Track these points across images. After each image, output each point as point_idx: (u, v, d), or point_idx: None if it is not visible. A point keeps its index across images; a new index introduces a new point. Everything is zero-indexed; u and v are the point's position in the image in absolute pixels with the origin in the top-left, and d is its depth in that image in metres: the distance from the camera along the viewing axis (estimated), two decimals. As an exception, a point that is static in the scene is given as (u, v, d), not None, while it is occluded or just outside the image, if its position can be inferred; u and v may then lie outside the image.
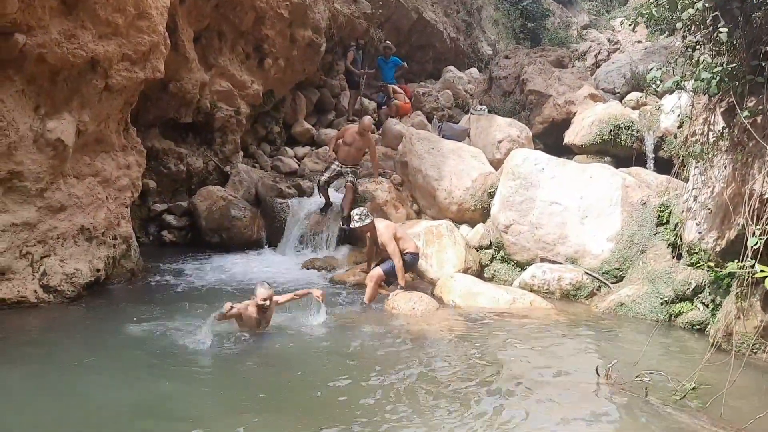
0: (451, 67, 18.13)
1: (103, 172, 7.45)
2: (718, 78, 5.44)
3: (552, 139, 12.67)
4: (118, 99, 7.34)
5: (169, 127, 10.15)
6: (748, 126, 5.35)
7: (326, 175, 9.82)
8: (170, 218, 10.01)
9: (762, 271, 4.00)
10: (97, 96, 6.99)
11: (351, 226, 7.65)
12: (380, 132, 13.39)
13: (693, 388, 4.83)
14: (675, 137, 10.28)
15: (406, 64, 15.00)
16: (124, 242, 7.88)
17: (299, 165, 12.13)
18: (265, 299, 6.10)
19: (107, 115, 7.35)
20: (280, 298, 6.46)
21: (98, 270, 7.29)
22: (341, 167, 9.74)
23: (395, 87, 14.42)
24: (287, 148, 12.67)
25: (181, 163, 10.27)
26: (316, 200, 10.36)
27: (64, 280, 6.87)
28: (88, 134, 7.10)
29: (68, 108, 6.76)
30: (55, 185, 6.83)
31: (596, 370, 5.31)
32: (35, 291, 6.65)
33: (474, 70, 18.78)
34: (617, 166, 9.85)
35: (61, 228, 6.93)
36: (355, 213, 7.81)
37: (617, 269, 8.10)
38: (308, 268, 8.95)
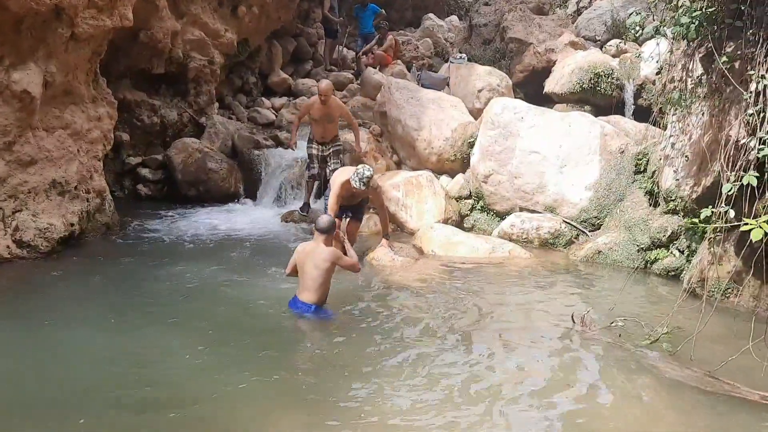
0: (431, 15, 17.78)
1: (74, 125, 7.25)
2: (697, 22, 5.38)
3: (532, 88, 12.56)
4: (85, 49, 7.10)
5: (141, 78, 9.86)
6: (726, 72, 5.33)
7: (315, 168, 8.82)
8: (145, 171, 9.84)
9: (747, 223, 4.02)
10: (63, 45, 6.76)
11: (360, 187, 6.73)
12: (359, 82, 13.21)
13: (666, 333, 4.93)
14: (653, 83, 10.25)
15: (383, 11, 14.67)
16: (98, 196, 7.75)
17: (276, 116, 11.92)
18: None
19: (75, 66, 7.12)
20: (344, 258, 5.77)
21: (72, 224, 7.17)
22: (322, 151, 8.77)
23: (391, 38, 14.09)
24: (264, 99, 12.43)
25: (155, 115, 10.04)
26: (294, 151, 10.22)
27: (37, 234, 6.76)
28: (56, 86, 6.88)
29: (34, 58, 6.53)
30: (24, 138, 6.65)
31: (572, 316, 5.39)
32: (8, 246, 6.54)
33: (454, 18, 18.45)
34: (597, 115, 9.81)
35: (32, 182, 6.78)
36: (367, 174, 6.76)
37: (595, 217, 8.15)
38: (287, 221, 8.91)
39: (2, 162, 6.48)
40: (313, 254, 5.46)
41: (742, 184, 4.71)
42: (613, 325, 5.28)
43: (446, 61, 13.92)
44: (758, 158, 4.86)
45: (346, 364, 4.63)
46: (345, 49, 15.00)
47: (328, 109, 8.59)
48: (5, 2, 6.01)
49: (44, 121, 6.92)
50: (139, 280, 6.30)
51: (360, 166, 6.94)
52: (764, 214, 4.37)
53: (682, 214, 6.86)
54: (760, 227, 4.12)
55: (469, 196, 8.97)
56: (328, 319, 5.46)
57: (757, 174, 4.62)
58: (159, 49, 9.38)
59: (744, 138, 5.08)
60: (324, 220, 5.62)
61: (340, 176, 7.05)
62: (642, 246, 7.29)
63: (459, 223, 8.77)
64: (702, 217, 4.72)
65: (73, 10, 6.63)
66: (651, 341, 4.96)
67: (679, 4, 5.54)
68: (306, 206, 8.96)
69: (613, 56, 12.09)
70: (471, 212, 8.91)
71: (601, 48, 13.20)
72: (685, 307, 5.28)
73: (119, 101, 8.40)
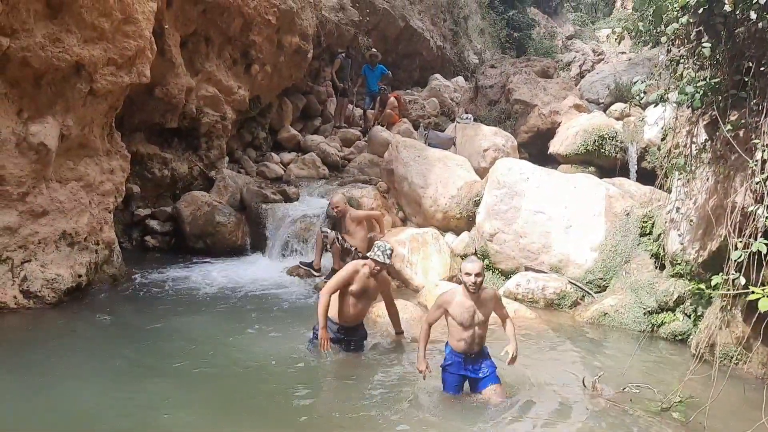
0: (438, 75, 18.22)
1: (87, 177, 7.37)
2: (701, 92, 5.51)
3: (537, 149, 12.74)
4: (102, 103, 7.28)
5: (154, 131, 10.07)
6: (731, 139, 5.42)
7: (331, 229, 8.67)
8: (154, 223, 9.91)
9: (753, 291, 4.03)
10: (81, 100, 6.93)
11: (385, 260, 5.85)
12: (366, 139, 13.44)
13: (679, 401, 4.87)
14: (658, 149, 10.41)
15: (390, 73, 15.05)
16: (107, 248, 7.79)
17: (285, 171, 12.11)
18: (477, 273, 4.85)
19: (91, 120, 7.28)
20: None
21: (80, 276, 7.20)
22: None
23: (393, 99, 14.45)
24: (273, 154, 12.64)
25: (166, 168, 10.20)
26: (302, 206, 10.33)
27: (44, 285, 6.78)
28: (72, 138, 7.03)
29: (52, 112, 6.69)
30: (38, 189, 6.75)
31: (583, 381, 5.33)
32: (15, 296, 6.56)
33: (460, 79, 18.89)
34: (601, 176, 9.92)
35: (42, 233, 6.85)
36: (389, 246, 6.01)
37: (601, 279, 8.14)
38: (292, 275, 8.92)
39: (15, 212, 6.56)
40: None
41: (751, 251, 4.74)
42: (624, 390, 5.22)
43: (452, 121, 14.20)
44: (766, 226, 4.90)
45: (349, 425, 4.57)
46: (353, 107, 15.32)
47: (347, 222, 8.55)
48: (27, 58, 6.20)
49: (58, 173, 7.04)
50: (143, 334, 6.27)
51: (378, 242, 6.14)
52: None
53: (688, 278, 6.86)
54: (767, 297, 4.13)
55: (474, 254, 8.98)
56: None
57: (766, 241, 4.65)
58: (173, 105, 9.61)
59: (751, 205, 5.13)
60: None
61: (351, 265, 6.11)
62: (648, 309, 7.26)
63: (464, 281, 8.75)
64: (713, 284, 4.72)
65: (92, 66, 6.83)
66: (663, 410, 4.89)
67: (684, 74, 5.68)
68: (312, 265, 8.83)
69: (617, 119, 12.30)
70: (476, 271, 8.89)
71: (604, 110, 13.46)
72: (696, 373, 5.22)
73: (132, 154, 8.54)
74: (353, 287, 5.88)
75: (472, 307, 4.90)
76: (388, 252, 5.86)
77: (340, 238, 8.55)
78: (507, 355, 5.02)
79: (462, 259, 8.92)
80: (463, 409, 4.93)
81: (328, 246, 8.64)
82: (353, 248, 8.52)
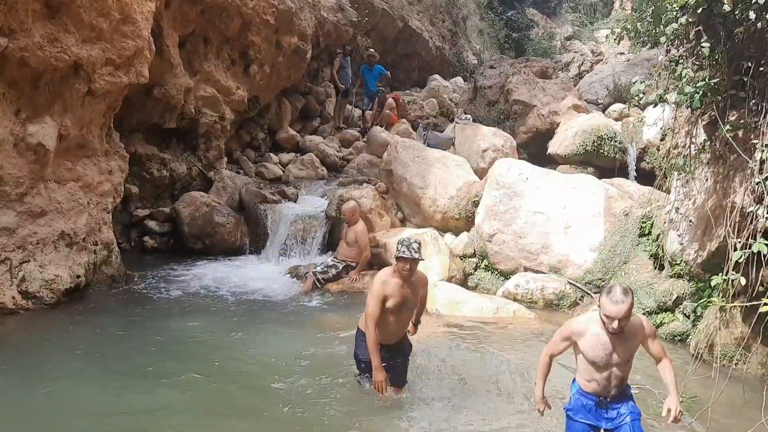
0: (437, 76, 18.21)
1: (85, 177, 7.36)
2: (700, 92, 5.50)
3: (536, 149, 12.73)
4: (101, 104, 7.27)
5: (152, 132, 10.06)
6: (730, 139, 5.41)
7: (319, 268, 8.64)
8: (152, 224, 9.88)
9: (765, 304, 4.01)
10: (79, 100, 6.92)
11: (413, 255, 4.79)
12: (365, 139, 13.44)
13: (681, 401, 4.85)
14: (657, 149, 10.40)
15: (389, 73, 15.04)
16: (105, 248, 7.78)
17: (283, 171, 12.11)
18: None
19: (90, 120, 7.27)
20: None
21: (78, 276, 7.19)
22: (338, 262, 8.66)
23: (391, 100, 14.45)
24: (272, 155, 12.64)
25: (165, 169, 10.19)
26: (301, 206, 10.33)
27: (43, 286, 6.77)
28: (70, 139, 7.01)
29: (50, 112, 6.68)
30: (36, 190, 6.73)
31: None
32: (13, 297, 6.54)
33: (459, 79, 18.88)
34: (600, 177, 9.91)
35: (41, 233, 6.83)
36: (414, 239, 4.92)
37: (600, 279, 8.14)
38: (292, 276, 8.91)
39: (13, 213, 6.55)
40: None
41: (752, 251, 4.73)
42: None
43: (451, 121, 14.19)
44: (765, 226, 4.89)
45: (342, 425, 4.55)
46: (351, 108, 15.32)
47: (350, 231, 8.71)
48: (25, 58, 6.19)
49: (56, 173, 7.02)
50: (140, 335, 6.26)
51: (400, 237, 5.19)
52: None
53: (687, 278, 6.86)
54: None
55: (474, 255, 8.98)
56: None
57: (766, 242, 4.65)
58: (172, 105, 9.60)
59: (750, 206, 5.13)
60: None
61: (379, 280, 4.99)
62: (647, 309, 7.25)
63: (463, 281, 8.75)
64: (713, 284, 4.71)
65: (91, 66, 6.82)
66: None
67: (683, 74, 5.67)
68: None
69: (616, 120, 12.29)
70: (475, 271, 8.90)
71: (603, 111, 13.44)
72: (696, 374, 5.22)
73: (130, 154, 8.54)
74: (389, 303, 4.89)
75: (610, 345, 3.69)
76: (414, 246, 4.80)
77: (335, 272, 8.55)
78: (668, 414, 3.80)
79: (461, 259, 8.94)
80: (450, 414, 4.83)
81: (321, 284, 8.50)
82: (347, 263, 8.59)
